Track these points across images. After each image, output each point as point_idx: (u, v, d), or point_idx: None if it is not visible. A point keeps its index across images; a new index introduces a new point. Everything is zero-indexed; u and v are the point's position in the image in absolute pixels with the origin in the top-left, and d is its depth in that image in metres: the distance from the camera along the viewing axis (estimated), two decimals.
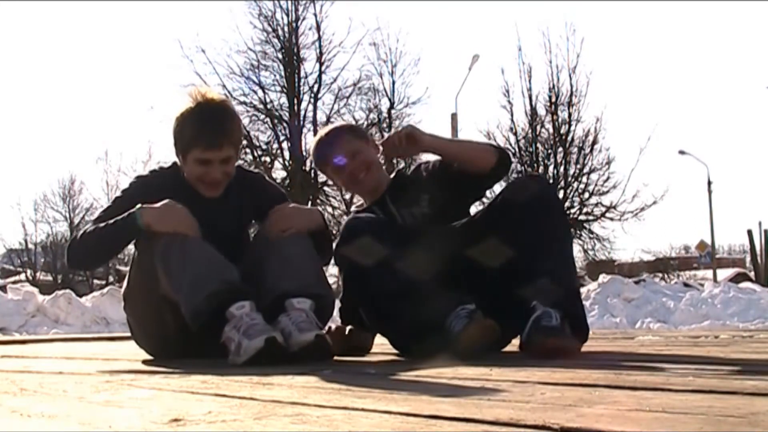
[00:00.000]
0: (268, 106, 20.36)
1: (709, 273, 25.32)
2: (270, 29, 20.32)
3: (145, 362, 2.48)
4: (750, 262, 30.39)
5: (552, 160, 18.56)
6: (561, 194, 17.76)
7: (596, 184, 18.45)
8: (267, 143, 20.57)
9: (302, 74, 20.59)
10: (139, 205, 2.39)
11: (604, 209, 18.50)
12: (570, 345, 2.19)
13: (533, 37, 35.25)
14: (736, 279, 22.61)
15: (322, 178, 20.88)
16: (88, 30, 55.42)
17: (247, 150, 19.79)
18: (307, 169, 20.47)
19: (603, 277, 10.28)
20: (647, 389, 1.31)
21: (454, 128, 19.17)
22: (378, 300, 2.47)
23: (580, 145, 18.62)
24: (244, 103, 20.00)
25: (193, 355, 2.44)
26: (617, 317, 8.91)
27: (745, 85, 70.37)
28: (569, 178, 18.47)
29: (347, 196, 20.83)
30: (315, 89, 20.47)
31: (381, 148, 2.64)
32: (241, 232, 2.76)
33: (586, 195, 18.52)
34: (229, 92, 19.53)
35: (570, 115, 18.63)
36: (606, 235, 18.99)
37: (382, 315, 2.57)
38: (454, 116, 19.44)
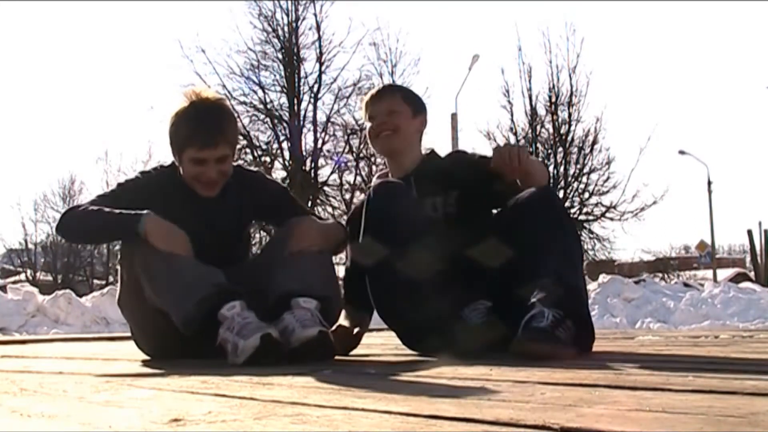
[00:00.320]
0: (268, 106, 20.35)
1: (709, 273, 25.31)
2: (270, 29, 20.32)
3: (145, 362, 2.48)
4: (750, 262, 30.39)
5: (552, 160, 18.55)
6: (561, 194, 17.76)
7: (596, 184, 18.45)
8: (267, 143, 20.57)
9: (302, 74, 20.59)
10: (147, 212, 2.35)
11: (604, 209, 18.50)
12: (558, 351, 2.06)
13: (533, 37, 35.28)
14: (736, 279, 22.62)
15: (322, 177, 20.91)
16: (88, 30, 55.44)
17: (247, 150, 19.79)
18: (307, 169, 20.47)
19: (603, 277, 10.28)
20: (647, 389, 1.31)
21: (454, 128, 19.17)
22: (390, 290, 2.47)
23: (580, 145, 18.62)
24: (244, 103, 20.01)
25: (192, 355, 2.44)
26: (617, 317, 8.91)
27: (745, 85, 70.40)
28: (569, 178, 18.47)
29: (347, 196, 20.84)
30: (315, 89, 20.47)
31: (493, 154, 2.49)
32: (240, 231, 2.76)
33: (586, 195, 18.52)
34: (229, 92, 19.54)
35: (570, 115, 18.63)
36: (606, 235, 19.00)
37: (391, 308, 2.58)
38: (454, 116, 19.44)
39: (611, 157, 18.61)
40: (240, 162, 2.88)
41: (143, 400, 1.35)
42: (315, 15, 20.31)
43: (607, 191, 18.41)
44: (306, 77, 20.63)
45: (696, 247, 28.54)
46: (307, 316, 2.23)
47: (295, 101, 20.41)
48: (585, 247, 19.11)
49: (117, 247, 2.75)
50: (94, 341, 5.17)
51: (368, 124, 2.79)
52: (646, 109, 51.04)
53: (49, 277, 30.62)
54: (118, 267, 2.61)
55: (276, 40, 20.37)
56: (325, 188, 20.95)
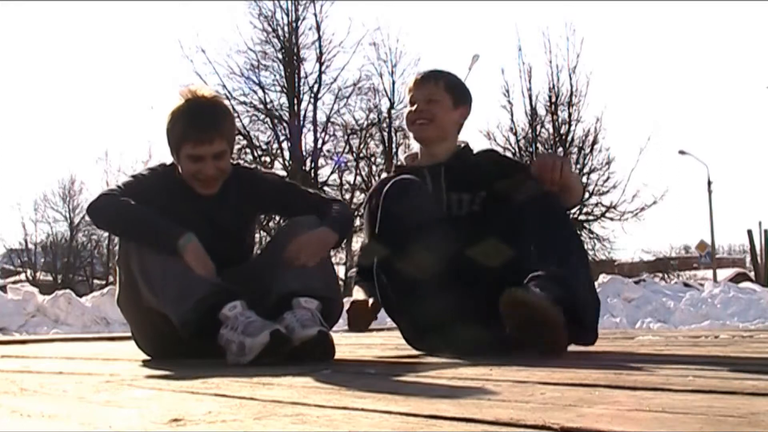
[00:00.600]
0: (268, 106, 20.37)
1: (709, 273, 25.32)
2: (270, 29, 20.35)
3: (145, 362, 2.48)
4: (750, 262, 30.39)
5: None
6: None
7: (596, 184, 18.45)
8: (267, 143, 20.59)
9: (302, 74, 20.62)
10: (191, 235, 2.33)
11: (604, 209, 18.52)
12: (548, 308, 2.03)
13: (533, 37, 35.28)
14: (736, 279, 22.62)
15: (322, 177, 20.92)
16: (88, 30, 55.44)
17: (247, 150, 19.81)
18: (307, 169, 20.47)
19: (603, 277, 10.27)
20: (647, 389, 1.31)
21: None
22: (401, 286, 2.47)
23: (580, 145, 18.63)
24: (244, 103, 20.04)
25: (192, 355, 2.43)
26: (617, 317, 8.90)
27: (745, 85, 70.42)
28: None
29: (347, 196, 20.84)
30: (315, 89, 20.49)
31: (535, 163, 2.44)
32: (242, 230, 2.74)
33: (586, 195, 18.52)
34: (229, 92, 19.56)
35: (570, 115, 18.65)
36: (606, 235, 19.02)
37: (395, 304, 2.59)
38: None
39: (611, 157, 18.64)
40: (239, 161, 2.84)
41: (143, 400, 1.35)
42: (315, 15, 20.35)
43: (607, 191, 18.44)
44: (306, 77, 20.66)
45: (696, 247, 28.54)
46: (308, 316, 2.24)
47: (295, 101, 20.42)
48: (585, 247, 19.09)
49: (116, 248, 2.72)
50: (94, 341, 5.17)
51: (408, 108, 2.74)
52: (646, 109, 51.02)
53: (49, 277, 30.64)
54: (116, 267, 2.60)
55: (276, 40, 20.40)
56: (325, 188, 20.94)
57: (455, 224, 2.53)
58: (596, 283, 10.08)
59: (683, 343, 3.27)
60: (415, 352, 2.63)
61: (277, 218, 16.78)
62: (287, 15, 20.42)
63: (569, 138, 18.65)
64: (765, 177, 61.32)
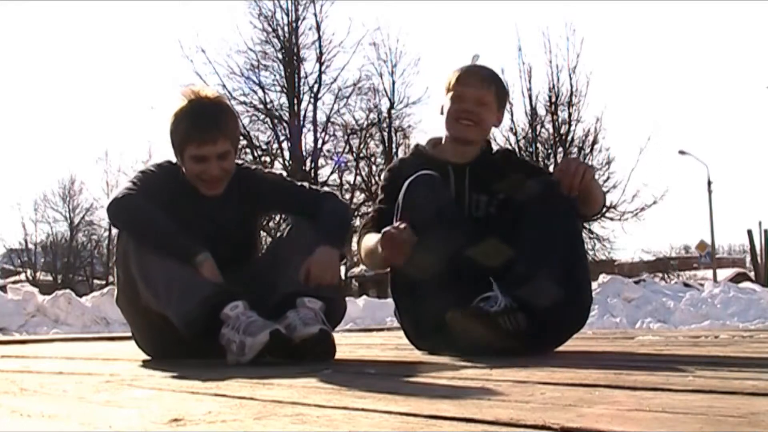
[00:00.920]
0: (268, 106, 20.38)
1: (709, 273, 25.32)
2: (270, 29, 20.37)
3: (145, 362, 2.48)
4: (750, 262, 30.40)
5: (552, 160, 18.56)
6: None
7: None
8: (267, 143, 20.61)
9: (302, 74, 20.64)
10: (207, 254, 2.33)
11: (604, 209, 18.51)
12: (491, 337, 2.16)
13: (533, 37, 35.29)
14: (736, 279, 22.62)
15: (322, 177, 20.92)
16: (88, 30, 55.47)
17: (247, 150, 19.80)
18: (307, 169, 20.48)
19: (603, 277, 10.27)
20: (647, 389, 1.31)
21: None
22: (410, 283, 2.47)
23: (580, 145, 18.65)
24: (244, 103, 20.05)
25: (192, 355, 2.43)
26: (617, 317, 8.90)
27: (745, 85, 70.44)
28: None
29: (347, 196, 20.84)
30: (315, 89, 20.51)
31: (560, 172, 2.37)
32: (246, 229, 2.72)
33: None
34: (229, 92, 19.57)
35: (570, 115, 18.67)
36: (606, 235, 19.04)
37: (400, 299, 2.60)
38: None
39: (611, 157, 18.66)
40: (241, 161, 2.81)
41: (143, 400, 1.35)
42: (315, 15, 20.38)
43: (607, 191, 18.42)
44: (306, 77, 20.68)
45: (696, 247, 28.55)
46: (311, 315, 2.24)
47: (295, 101, 20.44)
48: (585, 247, 19.10)
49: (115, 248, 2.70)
50: (94, 341, 5.17)
51: (450, 102, 2.64)
52: (646, 109, 51.06)
53: (49, 277, 30.66)
54: (114, 268, 2.59)
55: (276, 40, 20.42)
56: (325, 188, 20.94)
57: (472, 225, 2.52)
58: (596, 283, 10.10)
59: (683, 343, 3.27)
60: (415, 352, 2.63)
61: (277, 218, 16.79)
62: (287, 15, 20.46)
63: (569, 138, 18.68)
64: (765, 177, 61.39)
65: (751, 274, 27.21)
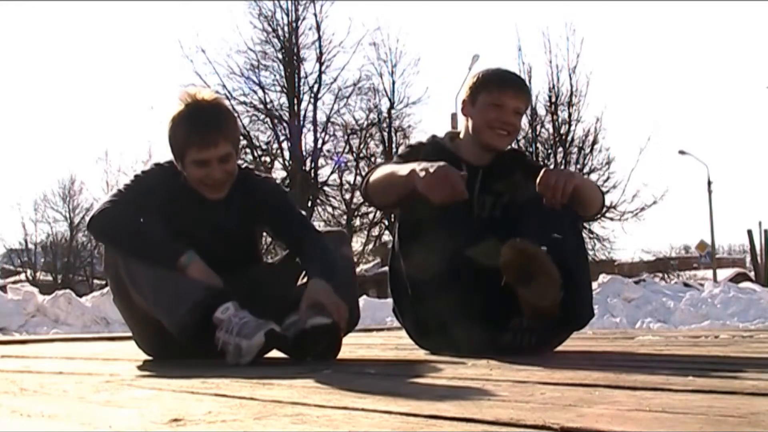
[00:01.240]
0: (268, 106, 20.37)
1: (709, 273, 25.31)
2: (270, 29, 20.35)
3: (145, 362, 2.48)
4: (750, 262, 30.39)
5: (552, 160, 18.57)
6: None
7: (596, 184, 18.44)
8: (267, 143, 20.59)
9: (302, 74, 20.62)
10: (192, 252, 2.33)
11: (604, 209, 18.50)
12: (540, 254, 2.19)
13: (533, 37, 35.32)
14: (736, 279, 22.62)
15: (322, 177, 20.92)
16: (88, 30, 55.48)
17: (247, 150, 19.79)
18: (307, 169, 20.47)
19: (603, 277, 10.27)
20: (647, 389, 1.31)
21: (454, 128, 19.16)
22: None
23: (580, 145, 18.65)
24: (244, 103, 20.04)
25: (192, 355, 2.43)
26: (617, 317, 8.90)
27: (745, 85, 70.44)
28: None
29: (347, 196, 20.85)
30: (315, 89, 20.50)
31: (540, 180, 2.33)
32: (249, 232, 2.71)
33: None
34: (229, 92, 19.57)
35: (570, 115, 18.67)
36: (606, 235, 19.03)
37: (401, 298, 2.60)
38: (454, 116, 19.44)
39: (611, 157, 18.66)
40: (247, 165, 2.76)
41: (143, 400, 1.35)
42: (315, 15, 20.36)
43: (607, 191, 18.42)
44: (306, 77, 20.66)
45: (696, 247, 28.55)
46: (325, 312, 2.25)
47: (295, 101, 20.42)
48: (586, 247, 19.10)
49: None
50: (94, 341, 5.17)
51: (487, 108, 2.57)
52: (646, 109, 51.10)
53: (49, 277, 30.65)
54: (106, 275, 2.57)
55: (276, 40, 20.40)
56: (325, 188, 20.95)
57: (476, 226, 2.51)
58: (596, 283, 10.10)
59: (683, 343, 3.27)
60: (415, 352, 2.63)
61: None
62: (287, 15, 20.44)
63: (569, 138, 18.67)
64: (765, 177, 61.39)
65: (751, 274, 27.21)
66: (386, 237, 20.86)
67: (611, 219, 18.65)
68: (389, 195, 2.51)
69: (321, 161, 20.97)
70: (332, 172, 21.05)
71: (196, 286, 2.27)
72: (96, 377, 1.84)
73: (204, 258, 2.35)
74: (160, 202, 2.47)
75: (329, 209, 21.20)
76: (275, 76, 20.54)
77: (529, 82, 18.61)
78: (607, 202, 18.34)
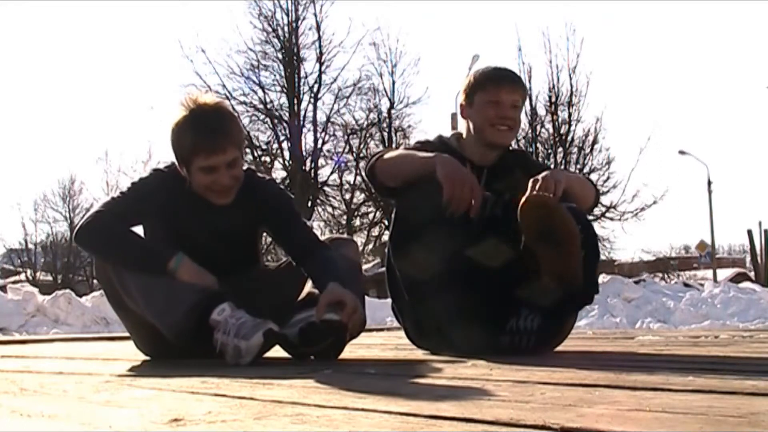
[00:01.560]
0: (268, 106, 20.37)
1: (709, 273, 25.31)
2: (270, 29, 20.36)
3: (145, 362, 2.48)
4: (750, 262, 30.39)
5: (552, 160, 18.56)
6: None
7: (596, 184, 18.42)
8: (267, 143, 20.59)
9: (302, 74, 20.63)
10: (180, 255, 2.31)
11: (604, 209, 18.51)
12: (560, 209, 2.20)
13: (533, 37, 35.32)
14: (736, 279, 22.62)
15: (322, 177, 20.92)
16: (88, 30, 55.49)
17: (247, 150, 19.78)
18: (307, 169, 20.47)
19: (603, 277, 10.25)
20: (647, 389, 1.31)
21: (454, 128, 19.15)
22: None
23: (580, 145, 18.65)
24: (244, 103, 20.05)
25: (192, 355, 2.43)
26: (617, 317, 8.90)
27: (745, 85, 70.43)
28: None
29: (347, 196, 20.85)
30: (315, 89, 20.50)
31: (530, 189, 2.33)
32: (252, 235, 2.70)
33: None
34: (229, 92, 19.57)
35: (570, 115, 18.67)
36: (606, 235, 19.02)
37: (400, 299, 2.60)
38: (454, 116, 19.46)
39: (611, 157, 18.67)
40: (251, 168, 2.73)
41: (143, 400, 1.35)
42: (315, 15, 20.36)
43: (607, 191, 18.44)
44: (306, 77, 20.67)
45: (696, 247, 28.55)
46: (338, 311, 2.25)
47: (295, 101, 20.42)
48: None
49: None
50: (94, 341, 5.17)
51: (484, 107, 2.58)
52: (646, 109, 51.13)
53: (49, 277, 30.66)
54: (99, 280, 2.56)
55: (276, 40, 20.41)
56: (325, 188, 20.95)
57: (477, 225, 2.47)
58: None
59: (683, 343, 3.27)
60: (415, 352, 2.63)
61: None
62: (287, 15, 20.44)
63: (569, 138, 18.67)
64: (765, 177, 61.40)
65: (751, 274, 27.20)
66: (386, 237, 20.83)
67: (611, 219, 18.66)
68: (399, 174, 2.49)
69: (321, 161, 20.99)
70: (332, 172, 21.07)
71: (189, 289, 2.26)
72: (96, 377, 1.84)
73: (205, 261, 2.35)
74: (160, 208, 2.46)
75: (329, 209, 21.23)
76: (275, 76, 20.57)
77: (529, 82, 18.63)
78: (607, 202, 18.42)
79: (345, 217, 21.23)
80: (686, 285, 12.06)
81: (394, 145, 20.16)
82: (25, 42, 50.71)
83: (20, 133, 51.43)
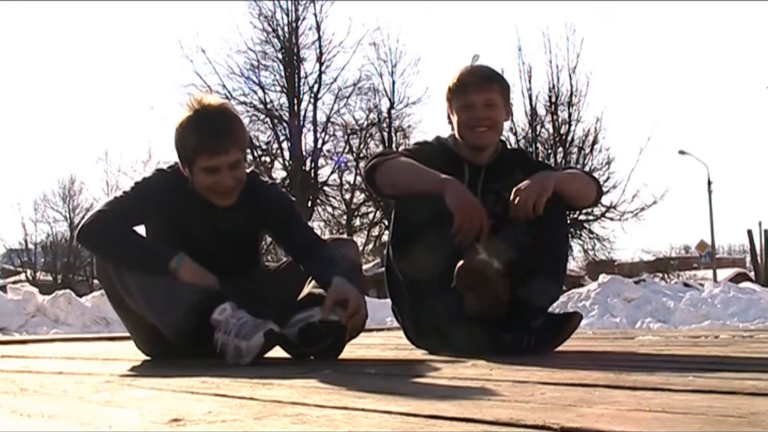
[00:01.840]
0: (268, 106, 20.36)
1: (709, 273, 25.31)
2: (270, 29, 20.35)
3: (145, 362, 2.48)
4: (750, 262, 30.39)
5: (552, 160, 18.55)
6: None
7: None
8: (267, 143, 20.58)
9: (302, 74, 20.62)
10: (181, 255, 2.32)
11: (604, 209, 18.50)
12: (479, 265, 2.27)
13: (533, 37, 35.33)
14: (736, 279, 22.61)
15: (322, 177, 20.91)
16: (88, 30, 55.49)
17: (248, 150, 19.78)
18: (307, 169, 20.46)
19: (603, 277, 10.26)
20: (647, 389, 1.31)
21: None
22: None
23: (580, 145, 18.63)
24: (244, 103, 20.02)
25: (192, 355, 2.43)
26: (617, 317, 8.90)
27: (745, 85, 70.44)
28: None
29: (347, 196, 20.85)
30: (315, 89, 20.50)
31: (513, 206, 2.37)
32: (253, 236, 2.70)
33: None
34: (229, 92, 19.56)
35: (570, 115, 18.65)
36: (606, 235, 19.01)
37: (399, 299, 2.61)
38: None
39: (611, 157, 18.64)
40: (254, 170, 2.72)
41: (143, 400, 1.35)
42: (315, 15, 20.35)
43: (607, 191, 18.40)
44: (306, 77, 20.65)
45: (696, 247, 28.54)
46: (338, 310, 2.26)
47: (295, 101, 20.42)
48: (585, 247, 19.14)
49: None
50: (94, 341, 5.17)
51: (459, 112, 2.60)
52: (646, 109, 51.15)
53: (49, 277, 30.66)
54: (99, 280, 2.56)
55: (276, 40, 20.40)
56: (325, 188, 20.94)
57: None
58: (596, 283, 10.11)
59: (683, 343, 3.27)
60: (415, 352, 2.63)
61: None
62: (287, 15, 20.43)
63: (569, 138, 18.65)
64: (765, 177, 61.42)
65: (751, 274, 27.19)
66: (386, 237, 20.83)
67: (611, 219, 18.64)
68: (401, 185, 2.49)
69: (321, 161, 20.99)
70: (332, 172, 21.06)
71: (190, 290, 2.26)
72: (96, 377, 1.84)
73: (206, 261, 2.35)
74: (163, 208, 2.46)
75: (329, 209, 21.22)
76: (275, 76, 20.56)
77: (529, 82, 18.64)
78: (607, 202, 18.41)
79: (345, 217, 21.23)
80: (686, 285, 12.05)
81: (394, 145, 20.19)
82: (26, 42, 50.76)
83: (20, 133, 51.48)
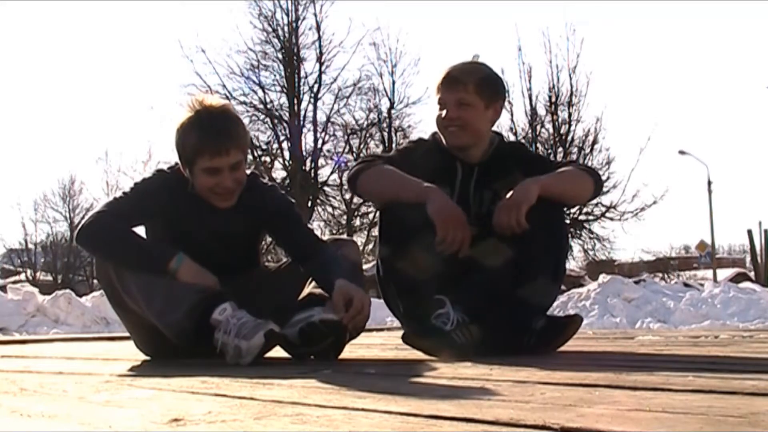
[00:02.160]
0: (268, 106, 20.37)
1: (709, 273, 25.32)
2: (270, 29, 20.35)
3: (145, 362, 2.48)
4: (750, 262, 30.38)
5: (552, 160, 18.54)
6: None
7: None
8: (267, 143, 20.58)
9: (302, 74, 20.62)
10: (181, 255, 2.32)
11: (604, 209, 18.51)
12: (444, 350, 2.26)
13: (533, 37, 35.32)
14: (736, 279, 22.62)
15: (322, 177, 20.92)
16: (88, 30, 55.50)
17: (248, 151, 19.77)
18: (307, 169, 20.46)
19: (603, 277, 10.26)
20: (647, 389, 1.31)
21: None
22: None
23: (580, 145, 18.63)
24: (244, 103, 20.03)
25: (192, 355, 2.43)
26: (617, 317, 8.90)
27: (745, 85, 70.46)
28: None
29: (347, 196, 20.83)
30: (315, 89, 20.50)
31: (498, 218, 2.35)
32: (253, 237, 2.70)
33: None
34: (229, 92, 19.56)
35: (570, 115, 18.64)
36: (606, 235, 19.01)
37: (393, 301, 2.63)
38: None
39: (611, 157, 18.64)
40: (254, 171, 2.73)
41: (143, 400, 1.35)
42: (315, 15, 20.36)
43: (607, 191, 18.40)
44: (306, 77, 20.66)
45: (696, 247, 28.54)
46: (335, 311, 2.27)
47: (295, 101, 20.42)
48: (585, 247, 19.14)
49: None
50: (94, 341, 5.17)
51: (437, 112, 2.58)
52: (646, 109, 51.18)
53: (49, 277, 30.68)
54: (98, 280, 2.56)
55: (276, 40, 20.40)
56: (325, 188, 20.95)
57: (475, 223, 2.46)
58: (596, 283, 10.11)
59: (683, 343, 3.27)
60: (415, 351, 2.63)
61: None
62: (287, 15, 20.43)
63: (569, 138, 18.65)
64: (765, 177, 61.44)
65: (751, 274, 27.19)
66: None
67: (611, 219, 18.64)
68: (384, 194, 2.50)
69: (321, 161, 20.99)
70: (332, 172, 21.06)
71: (190, 290, 2.26)
72: (96, 377, 1.84)
73: (206, 263, 2.35)
74: (162, 209, 2.46)
75: (329, 209, 21.23)
76: (275, 76, 20.56)
77: (529, 82, 18.65)
78: (607, 202, 18.41)
79: (345, 217, 21.23)
80: (686, 285, 12.04)
81: (394, 145, 20.19)
82: (26, 42, 50.76)
83: (20, 133, 51.49)
